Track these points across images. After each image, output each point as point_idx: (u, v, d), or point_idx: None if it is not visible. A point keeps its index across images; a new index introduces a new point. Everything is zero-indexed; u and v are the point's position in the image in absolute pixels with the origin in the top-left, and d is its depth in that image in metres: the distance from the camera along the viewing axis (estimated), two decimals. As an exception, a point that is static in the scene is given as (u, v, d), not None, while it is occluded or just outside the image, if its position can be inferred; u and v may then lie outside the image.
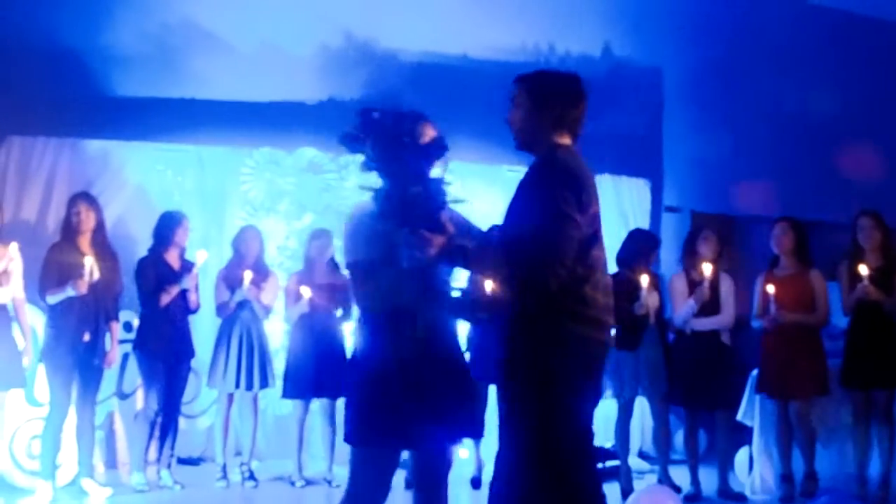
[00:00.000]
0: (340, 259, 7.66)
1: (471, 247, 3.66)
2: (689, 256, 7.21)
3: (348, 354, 7.33)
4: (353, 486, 3.87)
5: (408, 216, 3.56)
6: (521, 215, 3.57)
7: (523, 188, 3.61)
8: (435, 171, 3.79)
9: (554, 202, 3.44)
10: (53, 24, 8.02)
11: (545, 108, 3.66)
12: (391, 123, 3.75)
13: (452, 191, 3.77)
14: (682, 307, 7.06)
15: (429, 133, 3.83)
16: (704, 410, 7.14)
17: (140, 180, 8.30)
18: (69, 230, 6.83)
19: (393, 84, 8.22)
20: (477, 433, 3.94)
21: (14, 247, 6.68)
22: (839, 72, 9.95)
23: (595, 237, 3.58)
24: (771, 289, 6.79)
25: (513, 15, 8.91)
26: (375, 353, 3.81)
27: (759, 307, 6.99)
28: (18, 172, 7.98)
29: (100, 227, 6.92)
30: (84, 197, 7.00)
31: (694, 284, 6.99)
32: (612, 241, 8.90)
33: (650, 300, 7.01)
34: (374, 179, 3.80)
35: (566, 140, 3.68)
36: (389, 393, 3.72)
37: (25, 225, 7.73)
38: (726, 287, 7.08)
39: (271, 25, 8.46)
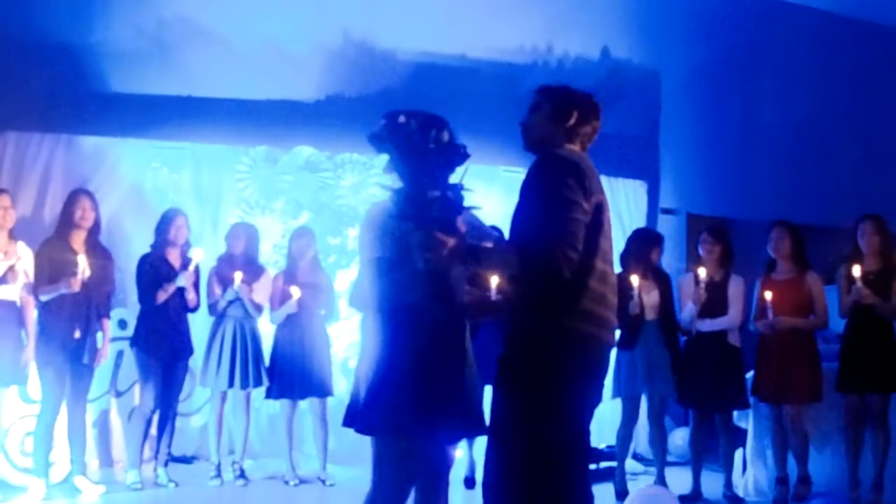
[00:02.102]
0: (324, 259, 7.66)
1: (483, 247, 3.71)
2: (694, 258, 7.25)
3: (333, 353, 7.46)
4: (380, 478, 3.96)
5: (425, 219, 3.62)
6: (526, 208, 3.63)
7: (526, 183, 3.66)
8: (454, 177, 3.88)
9: (556, 189, 3.50)
10: (49, 20, 8.00)
11: (563, 118, 3.80)
12: (416, 128, 3.84)
13: (470, 197, 3.84)
14: (685, 309, 7.09)
15: (450, 139, 3.94)
16: (712, 413, 7.11)
17: (135, 177, 8.29)
18: (67, 224, 6.81)
19: (390, 83, 8.21)
20: (480, 432, 4.02)
21: (23, 245, 6.69)
22: (835, 75, 9.97)
23: (600, 227, 3.62)
24: (769, 295, 6.78)
25: (511, 16, 8.91)
26: (392, 348, 3.91)
27: (758, 311, 7.00)
28: (14, 168, 7.97)
29: (96, 226, 6.93)
30: (87, 193, 7.01)
31: (705, 287, 6.99)
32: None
33: (648, 299, 7.03)
34: (394, 180, 3.89)
35: (575, 148, 3.81)
36: (407, 386, 3.84)
37: (21, 221, 7.67)
38: (734, 288, 7.07)
39: (269, 23, 8.44)
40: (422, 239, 3.59)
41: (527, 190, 3.64)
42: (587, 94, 3.93)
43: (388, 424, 3.89)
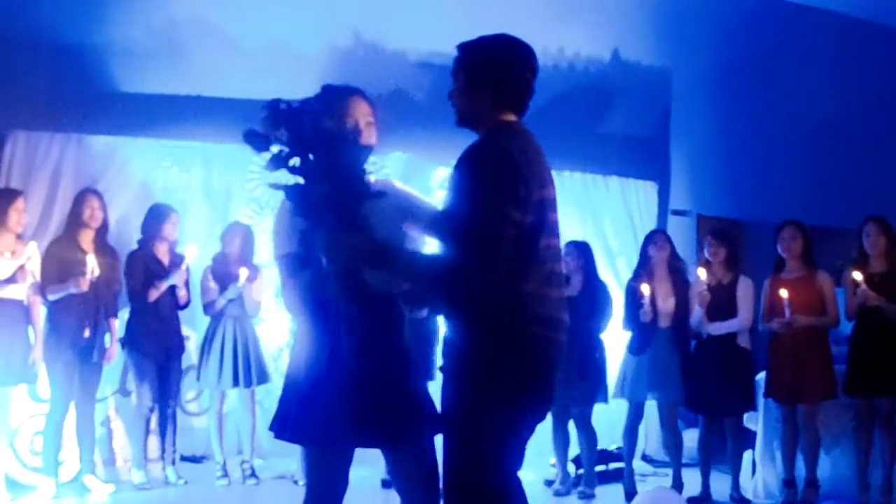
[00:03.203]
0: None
1: (395, 250, 3.38)
2: (702, 261, 7.22)
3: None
4: (309, 485, 3.77)
5: (321, 217, 3.29)
6: (451, 210, 3.25)
7: (455, 179, 3.24)
8: (357, 162, 3.46)
9: (483, 199, 3.12)
10: (60, 19, 8.01)
11: (481, 84, 3.33)
12: (298, 115, 3.42)
13: (372, 181, 3.54)
14: (693, 313, 7.05)
15: (355, 114, 3.62)
16: (721, 416, 7.07)
17: (145, 177, 8.28)
18: (75, 224, 6.84)
19: (401, 83, 8.20)
20: (432, 431, 3.65)
21: (33, 245, 6.71)
22: (847, 77, 9.94)
23: (542, 225, 3.24)
24: (784, 293, 6.73)
25: (522, 16, 8.84)
26: (306, 350, 3.64)
27: (766, 311, 6.97)
28: (23, 168, 7.95)
29: (104, 226, 6.96)
30: (96, 193, 7.06)
31: (710, 289, 6.96)
32: (618, 243, 9.03)
33: (664, 306, 7.02)
34: (287, 176, 3.48)
35: (510, 117, 3.36)
36: (318, 391, 3.55)
37: (30, 221, 7.69)
38: (743, 290, 7.02)
39: (280, 23, 8.44)
40: (321, 239, 3.28)
41: (457, 185, 3.23)
42: (509, 42, 3.39)
43: (302, 434, 3.64)
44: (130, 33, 8.21)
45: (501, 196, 3.13)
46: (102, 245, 6.92)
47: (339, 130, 3.51)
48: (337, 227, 3.24)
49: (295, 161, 3.34)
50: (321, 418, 3.55)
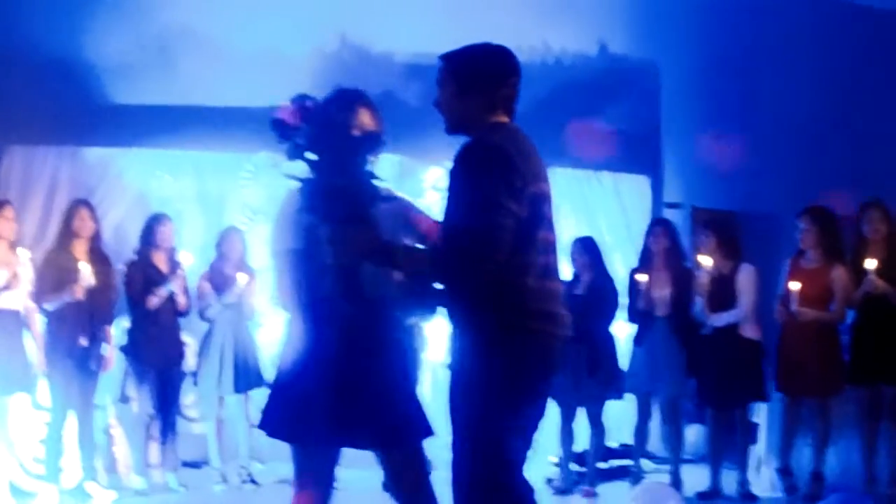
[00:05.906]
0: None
1: (400, 246, 3.46)
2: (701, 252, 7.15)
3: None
4: (296, 481, 3.77)
5: (332, 212, 3.39)
6: (450, 208, 3.29)
7: (452, 177, 3.30)
8: (369, 165, 3.65)
9: (481, 191, 3.17)
10: (51, 33, 8.03)
11: (473, 91, 3.37)
12: (325, 113, 3.61)
13: (383, 185, 3.66)
14: (696, 302, 6.97)
15: (367, 122, 3.65)
16: (730, 408, 7.01)
17: (140, 186, 8.32)
18: (66, 235, 6.86)
19: (388, 86, 8.21)
20: (422, 433, 3.78)
21: (23, 252, 6.72)
22: (840, 65, 9.92)
23: (539, 219, 3.30)
24: (795, 285, 6.62)
25: (507, 14, 8.88)
26: (297, 347, 3.66)
27: (781, 299, 6.85)
28: (20, 182, 8.01)
29: (97, 235, 6.99)
30: (85, 203, 7.08)
31: (712, 280, 6.89)
32: (613, 238, 9.02)
33: (659, 294, 7.03)
34: (302, 169, 3.65)
35: (502, 118, 3.40)
36: (308, 388, 3.58)
37: (27, 234, 7.71)
38: (743, 279, 6.92)
39: (267, 30, 8.45)
40: (328, 234, 3.34)
41: (453, 185, 3.29)
42: (496, 49, 3.44)
43: (286, 430, 3.66)
44: (121, 45, 8.22)
45: (499, 188, 3.17)
46: (96, 254, 6.94)
47: (352, 131, 3.59)
48: (346, 220, 3.32)
49: (311, 155, 3.55)
50: (308, 416, 3.56)
